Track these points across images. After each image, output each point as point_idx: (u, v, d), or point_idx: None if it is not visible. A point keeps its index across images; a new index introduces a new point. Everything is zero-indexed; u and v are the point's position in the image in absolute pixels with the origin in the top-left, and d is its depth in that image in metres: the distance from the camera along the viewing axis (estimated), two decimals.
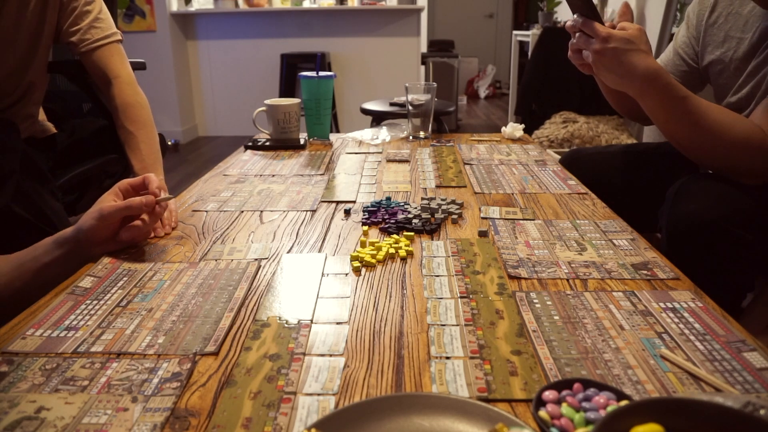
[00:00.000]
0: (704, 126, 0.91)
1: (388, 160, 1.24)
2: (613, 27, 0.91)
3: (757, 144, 0.89)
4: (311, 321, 0.58)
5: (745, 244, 0.86)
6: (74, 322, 0.58)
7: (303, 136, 1.43)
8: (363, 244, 0.77)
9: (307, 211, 0.92)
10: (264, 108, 1.39)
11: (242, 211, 0.92)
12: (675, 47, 1.17)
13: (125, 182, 0.77)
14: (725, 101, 1.05)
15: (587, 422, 0.42)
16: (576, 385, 0.45)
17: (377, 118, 2.64)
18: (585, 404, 0.43)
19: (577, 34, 0.94)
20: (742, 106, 1.00)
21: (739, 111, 0.99)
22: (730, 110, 0.93)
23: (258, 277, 0.68)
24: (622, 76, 0.91)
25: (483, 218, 0.88)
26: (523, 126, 1.47)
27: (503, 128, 1.47)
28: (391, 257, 0.74)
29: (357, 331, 0.56)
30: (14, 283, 0.69)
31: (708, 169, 1.05)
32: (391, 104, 2.69)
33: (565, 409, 0.43)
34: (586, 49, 0.92)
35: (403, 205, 0.92)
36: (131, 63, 1.42)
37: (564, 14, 4.75)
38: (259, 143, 1.38)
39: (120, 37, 1.27)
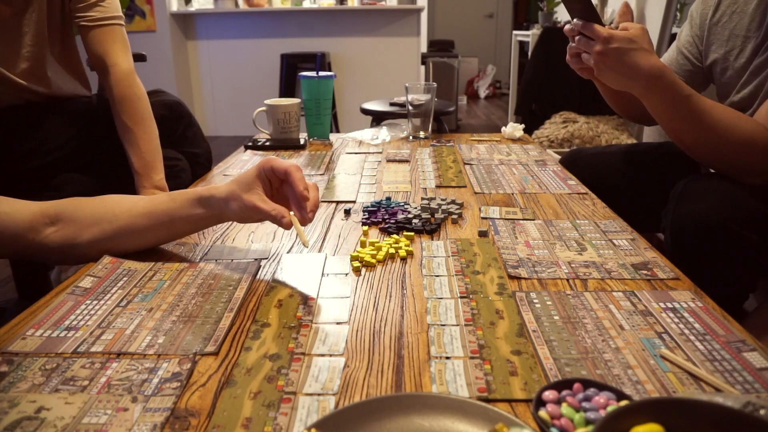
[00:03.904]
0: (708, 125, 0.90)
1: (388, 160, 1.24)
2: (615, 29, 0.91)
3: (762, 143, 0.89)
4: (311, 321, 0.58)
5: (750, 245, 0.86)
6: (74, 322, 0.58)
7: (303, 136, 1.43)
8: (363, 244, 0.77)
9: None
10: (264, 108, 1.39)
11: None
12: (678, 47, 1.17)
13: (268, 165, 0.68)
14: (728, 100, 1.05)
15: (587, 422, 0.42)
16: (576, 385, 0.45)
17: (377, 118, 2.64)
18: (585, 404, 0.43)
19: (577, 38, 0.93)
20: (745, 106, 1.00)
21: (742, 110, 0.99)
22: (735, 109, 0.93)
23: (258, 277, 0.68)
24: (626, 76, 0.91)
25: (483, 218, 0.88)
26: (523, 126, 1.47)
27: (503, 128, 1.47)
28: (391, 257, 0.74)
29: (357, 331, 0.56)
30: (146, 224, 0.71)
31: (712, 169, 1.05)
32: (391, 104, 2.69)
33: (565, 409, 0.43)
34: (587, 51, 0.92)
35: (403, 205, 0.92)
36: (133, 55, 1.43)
37: (564, 14, 4.76)
38: (259, 143, 1.38)
39: (123, 22, 1.24)
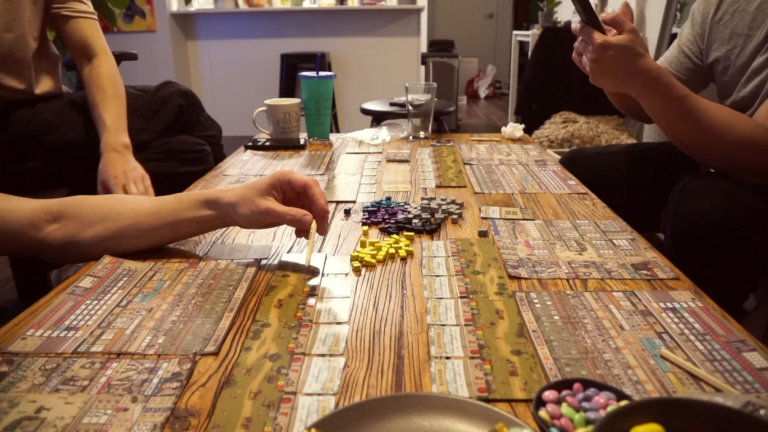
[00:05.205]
0: (706, 124, 0.91)
1: (388, 160, 1.24)
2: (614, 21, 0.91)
3: (761, 143, 0.89)
4: (311, 321, 0.58)
5: (750, 244, 0.86)
6: (74, 322, 0.58)
7: (303, 136, 1.43)
8: (363, 244, 0.77)
9: None
10: (264, 108, 1.39)
11: None
12: (679, 45, 1.17)
13: (286, 177, 0.70)
14: (729, 100, 1.05)
15: (587, 422, 0.42)
16: (576, 385, 0.45)
17: (377, 118, 2.64)
18: (585, 404, 0.43)
19: (578, 39, 0.94)
20: (745, 105, 1.00)
21: (742, 109, 0.99)
22: (732, 109, 0.93)
23: (258, 277, 0.68)
24: (622, 80, 0.92)
25: (483, 218, 0.88)
26: (523, 126, 1.47)
27: (503, 128, 1.47)
28: (391, 257, 0.74)
29: (357, 331, 0.56)
30: (151, 223, 0.71)
31: (711, 168, 1.05)
32: (391, 104, 2.69)
33: (565, 409, 0.43)
34: (584, 54, 0.93)
35: (403, 205, 0.92)
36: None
37: (564, 14, 4.76)
38: (259, 143, 1.38)
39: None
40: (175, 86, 1.41)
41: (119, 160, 1.12)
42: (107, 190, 1.10)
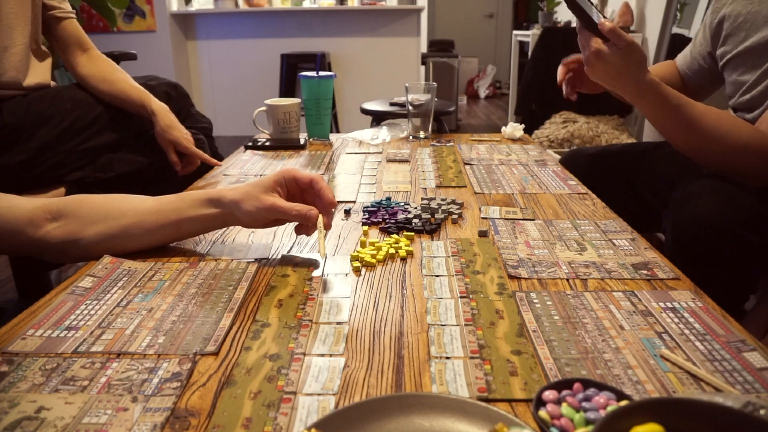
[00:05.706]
0: (701, 131, 0.92)
1: (388, 160, 1.24)
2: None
3: (757, 148, 0.90)
4: (311, 321, 0.58)
5: (751, 247, 0.86)
6: (74, 322, 0.58)
7: (303, 136, 1.43)
8: (363, 244, 0.77)
9: None
10: (264, 108, 1.39)
11: None
12: (692, 46, 1.21)
13: (291, 174, 0.71)
14: (736, 100, 1.05)
15: (587, 422, 0.42)
16: (576, 385, 0.45)
17: (377, 118, 2.64)
18: (585, 404, 0.43)
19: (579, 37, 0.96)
20: (753, 106, 1.00)
21: (749, 110, 1.00)
22: (730, 114, 0.95)
23: (258, 277, 0.68)
24: (615, 87, 0.95)
25: (483, 218, 0.88)
26: (523, 126, 1.47)
27: (503, 128, 1.47)
28: (391, 257, 0.74)
29: (357, 331, 0.56)
30: (153, 222, 0.71)
31: (710, 171, 1.05)
32: (391, 104, 2.69)
33: (565, 409, 0.43)
34: (583, 54, 0.95)
35: (403, 205, 0.92)
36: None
37: (564, 14, 4.75)
38: (259, 143, 1.38)
39: None
40: (162, 79, 1.43)
41: (176, 123, 1.24)
42: (177, 149, 1.23)
